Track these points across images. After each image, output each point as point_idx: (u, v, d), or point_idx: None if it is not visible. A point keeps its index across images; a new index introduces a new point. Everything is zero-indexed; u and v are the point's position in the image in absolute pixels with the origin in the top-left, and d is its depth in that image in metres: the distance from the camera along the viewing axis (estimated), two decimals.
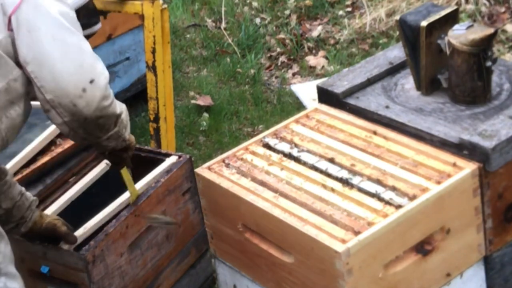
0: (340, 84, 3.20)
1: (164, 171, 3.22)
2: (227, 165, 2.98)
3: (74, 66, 2.47)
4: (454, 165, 2.76)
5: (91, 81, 2.47)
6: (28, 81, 2.52)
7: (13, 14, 2.48)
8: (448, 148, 2.82)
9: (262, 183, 2.86)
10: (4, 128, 2.50)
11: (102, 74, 2.52)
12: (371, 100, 3.11)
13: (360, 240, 2.52)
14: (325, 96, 3.21)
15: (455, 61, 2.95)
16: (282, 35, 5.66)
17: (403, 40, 3.06)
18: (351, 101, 3.14)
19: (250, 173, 2.91)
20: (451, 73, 3.00)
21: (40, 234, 2.94)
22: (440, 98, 3.06)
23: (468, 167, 2.74)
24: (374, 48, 5.31)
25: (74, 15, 2.60)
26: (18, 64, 2.50)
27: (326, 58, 5.37)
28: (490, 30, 2.93)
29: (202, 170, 2.98)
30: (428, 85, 3.08)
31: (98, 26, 2.87)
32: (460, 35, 2.92)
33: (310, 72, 5.30)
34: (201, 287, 3.44)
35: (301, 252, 2.65)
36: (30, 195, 2.93)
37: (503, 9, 5.33)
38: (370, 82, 3.21)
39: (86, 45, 2.55)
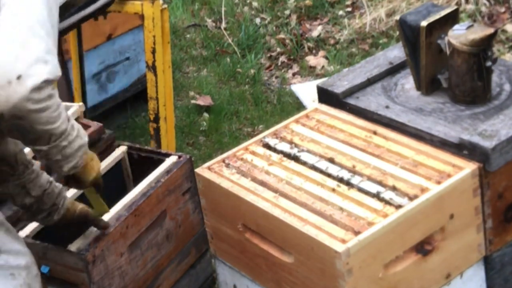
0: (340, 84, 3.20)
1: (164, 171, 3.22)
2: (227, 165, 2.98)
3: (8, 52, 2.26)
4: (454, 165, 2.76)
5: (18, 77, 2.25)
6: None
7: None
8: (448, 148, 2.82)
9: (262, 183, 2.86)
10: None
11: (36, 75, 2.27)
12: (371, 100, 3.11)
13: (360, 240, 2.52)
14: (325, 96, 3.21)
15: (455, 61, 2.95)
16: (282, 35, 5.66)
17: (403, 40, 3.06)
18: (351, 101, 3.14)
19: (250, 173, 2.91)
20: (451, 73, 3.00)
21: (73, 221, 2.89)
22: (440, 98, 3.06)
23: (468, 167, 2.74)
24: (374, 48, 5.31)
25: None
26: None
27: (326, 58, 5.37)
28: (490, 30, 2.93)
29: (202, 170, 2.98)
30: (428, 85, 3.08)
31: None
32: (460, 35, 2.92)
33: (310, 72, 5.31)
34: (201, 287, 3.44)
35: (301, 252, 2.65)
36: (58, 183, 2.86)
37: (503, 9, 5.34)
38: (370, 82, 3.21)
39: (39, 40, 2.32)
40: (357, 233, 2.56)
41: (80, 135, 2.50)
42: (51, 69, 2.29)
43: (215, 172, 2.96)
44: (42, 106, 2.29)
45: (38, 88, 2.25)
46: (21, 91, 2.24)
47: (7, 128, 2.33)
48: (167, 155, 3.34)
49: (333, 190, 2.77)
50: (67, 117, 2.43)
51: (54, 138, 2.39)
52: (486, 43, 2.91)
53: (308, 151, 2.99)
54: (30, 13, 2.31)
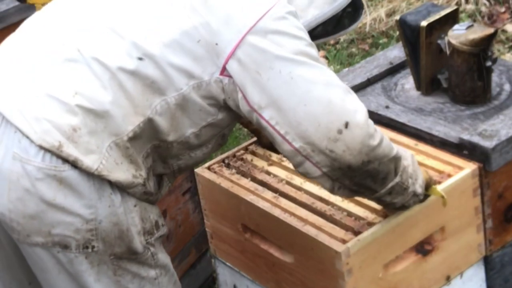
0: None
1: None
2: (227, 165, 2.98)
3: (321, 105, 2.12)
4: (454, 165, 2.76)
5: (346, 123, 2.12)
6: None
7: (230, 57, 2.15)
8: (448, 148, 2.82)
9: (262, 183, 2.86)
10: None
11: (356, 110, 2.14)
12: (371, 100, 3.11)
13: (360, 240, 2.52)
14: None
15: (455, 61, 2.95)
16: None
17: (403, 40, 3.06)
18: None
19: (250, 173, 2.91)
20: (451, 73, 3.00)
21: None
22: (440, 98, 3.06)
23: (468, 167, 2.74)
24: (374, 48, 5.31)
25: (308, 41, 2.19)
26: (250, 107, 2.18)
27: (326, 58, 5.37)
28: (490, 30, 2.93)
29: (202, 170, 2.98)
30: (428, 85, 3.08)
31: (357, 21, 2.45)
32: (460, 35, 2.92)
33: None
34: (201, 287, 3.45)
35: (301, 252, 2.65)
36: None
37: (503, 9, 5.34)
38: (370, 82, 3.21)
39: (330, 76, 2.18)
40: (357, 233, 2.56)
41: (401, 152, 2.32)
42: (354, 95, 2.20)
43: (215, 172, 2.95)
44: (380, 138, 2.20)
45: (367, 120, 2.17)
46: (358, 132, 2.14)
47: (359, 179, 2.22)
48: None
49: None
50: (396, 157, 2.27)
51: (397, 162, 2.27)
52: (486, 43, 2.91)
53: None
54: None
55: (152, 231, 2.33)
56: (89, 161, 2.13)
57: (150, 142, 2.23)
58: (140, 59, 2.14)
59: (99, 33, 2.20)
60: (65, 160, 2.13)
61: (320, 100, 2.13)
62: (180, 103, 2.19)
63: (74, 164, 2.13)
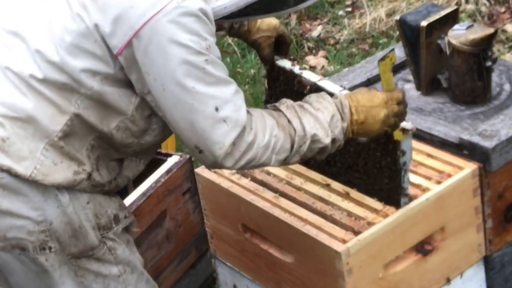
0: (340, 84, 3.19)
1: (164, 171, 3.22)
2: None
3: (184, 122, 2.19)
4: (454, 165, 2.76)
5: (200, 150, 2.21)
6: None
7: (119, 54, 2.16)
8: (448, 148, 2.82)
9: (262, 183, 2.86)
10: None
11: (217, 143, 2.18)
12: None
13: (360, 240, 2.52)
14: None
15: (455, 61, 2.95)
16: None
17: (403, 40, 3.06)
18: None
19: (250, 173, 2.91)
20: (451, 73, 3.00)
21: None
22: (440, 98, 3.06)
23: (468, 167, 2.74)
24: (374, 48, 5.31)
25: (196, 49, 2.15)
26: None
27: (326, 58, 5.36)
28: (490, 30, 2.93)
29: (202, 170, 2.97)
30: (428, 85, 3.08)
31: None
32: (460, 35, 2.92)
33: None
34: (201, 287, 3.44)
35: (301, 252, 2.65)
36: None
37: (503, 9, 5.33)
38: (370, 82, 3.21)
39: (201, 102, 2.17)
40: (357, 233, 2.56)
41: (317, 117, 2.29)
42: (232, 124, 2.19)
43: (215, 172, 2.95)
44: (244, 162, 2.24)
45: (227, 154, 2.20)
46: (210, 159, 2.21)
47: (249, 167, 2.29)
48: (168, 155, 3.34)
49: (333, 190, 2.77)
50: (283, 124, 2.27)
51: (300, 154, 2.30)
52: (486, 43, 2.91)
53: None
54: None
55: (110, 226, 2.35)
56: (22, 169, 2.18)
57: (90, 135, 2.25)
58: (47, 65, 2.17)
59: (4, 38, 2.23)
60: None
61: (184, 119, 2.18)
62: (98, 97, 2.21)
63: (8, 173, 2.18)
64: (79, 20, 2.15)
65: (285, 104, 2.35)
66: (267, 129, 2.26)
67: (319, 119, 2.30)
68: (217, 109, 2.18)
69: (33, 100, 2.17)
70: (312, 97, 2.37)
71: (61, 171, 2.22)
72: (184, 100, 2.16)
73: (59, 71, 2.17)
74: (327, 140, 2.31)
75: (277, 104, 2.35)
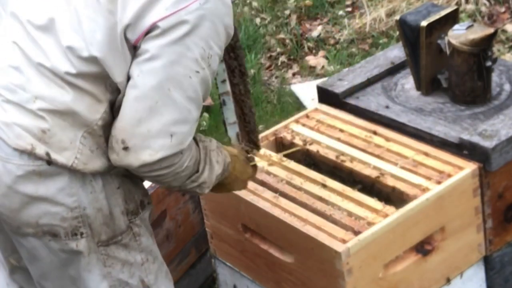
0: (340, 84, 3.20)
1: None
2: None
3: (134, 115, 2.17)
4: (454, 165, 2.76)
5: (125, 147, 2.19)
6: None
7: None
8: (448, 148, 2.82)
9: (262, 183, 2.86)
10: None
11: (152, 150, 2.17)
12: (371, 100, 3.11)
13: (360, 240, 2.52)
14: (325, 96, 3.21)
15: (455, 61, 2.95)
16: (282, 35, 5.66)
17: (403, 40, 3.06)
18: (351, 101, 3.14)
19: None
20: (451, 73, 3.00)
21: None
22: (440, 98, 3.06)
23: (468, 167, 2.74)
24: (374, 48, 5.31)
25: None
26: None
27: (326, 58, 5.37)
28: (490, 30, 2.93)
29: None
30: (428, 85, 3.08)
31: None
32: (460, 35, 2.92)
33: (310, 72, 5.30)
34: (201, 287, 3.44)
35: (301, 252, 2.65)
36: None
37: (503, 9, 5.34)
38: (370, 82, 3.21)
39: (163, 106, 2.16)
40: (357, 233, 2.56)
41: (213, 168, 2.36)
42: (176, 143, 2.18)
43: None
44: (157, 174, 2.23)
45: (150, 163, 2.19)
46: (131, 160, 2.19)
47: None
48: None
49: (333, 190, 2.77)
50: (190, 169, 2.29)
51: (183, 185, 2.32)
52: (486, 43, 2.91)
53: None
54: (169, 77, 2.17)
55: (137, 211, 2.37)
56: (63, 159, 2.20)
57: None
58: (79, 60, 2.18)
59: (33, 34, 2.23)
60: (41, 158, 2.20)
61: (135, 113, 2.17)
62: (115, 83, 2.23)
63: (48, 163, 2.20)
64: (108, 14, 2.16)
65: (203, 143, 2.37)
66: (187, 161, 2.27)
67: (214, 171, 2.37)
68: (174, 122, 2.17)
69: (71, 92, 2.19)
70: (214, 145, 2.41)
71: (97, 158, 2.24)
72: (151, 96, 2.16)
73: (92, 64, 2.18)
74: (208, 189, 2.39)
75: (198, 138, 2.36)
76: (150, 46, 2.15)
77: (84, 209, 2.25)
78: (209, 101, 5.04)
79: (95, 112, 2.21)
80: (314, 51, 5.49)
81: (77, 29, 2.18)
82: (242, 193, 2.81)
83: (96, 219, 2.27)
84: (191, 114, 2.20)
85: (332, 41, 5.52)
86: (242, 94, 2.58)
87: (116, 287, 2.36)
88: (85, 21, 2.18)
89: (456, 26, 2.96)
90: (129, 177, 2.33)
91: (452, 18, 3.02)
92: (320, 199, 2.74)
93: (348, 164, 2.88)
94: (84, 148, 2.21)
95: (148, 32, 2.14)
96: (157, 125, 2.17)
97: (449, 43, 2.94)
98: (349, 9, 5.77)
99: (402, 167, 2.81)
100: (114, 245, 2.33)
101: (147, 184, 3.14)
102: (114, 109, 2.24)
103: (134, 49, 2.18)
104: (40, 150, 2.18)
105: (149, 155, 2.18)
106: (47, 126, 2.19)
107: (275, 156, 2.98)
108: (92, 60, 2.17)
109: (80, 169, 2.21)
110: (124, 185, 2.32)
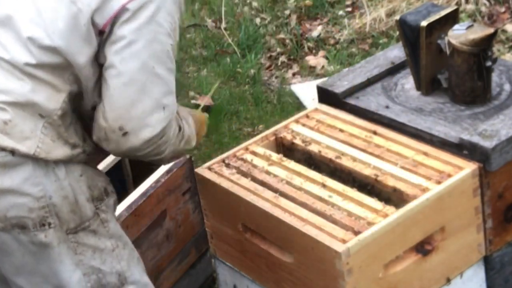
0: (340, 84, 3.20)
1: (164, 171, 3.22)
2: (227, 165, 2.98)
3: (126, 101, 2.26)
4: (454, 165, 2.76)
5: (125, 132, 2.27)
6: None
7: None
8: (448, 148, 2.82)
9: (262, 183, 2.86)
10: None
11: (151, 126, 2.28)
12: (371, 100, 3.11)
13: (360, 240, 2.52)
14: (325, 96, 3.21)
15: (455, 61, 2.95)
16: (282, 35, 5.66)
17: (403, 40, 3.06)
18: (351, 101, 3.14)
19: (250, 173, 2.91)
20: (451, 73, 3.00)
21: None
22: (440, 98, 3.06)
23: (468, 167, 2.74)
24: (374, 48, 5.31)
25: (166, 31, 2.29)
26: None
27: (326, 58, 5.36)
28: (490, 30, 2.93)
29: (202, 170, 2.98)
30: (428, 85, 3.08)
31: None
32: (460, 35, 2.92)
33: (310, 72, 5.30)
34: (201, 287, 3.45)
35: (301, 252, 2.65)
36: None
37: (503, 9, 5.33)
38: (370, 82, 3.21)
39: (151, 84, 2.27)
40: (357, 233, 2.56)
41: (187, 120, 2.50)
42: (168, 114, 2.30)
43: (215, 172, 2.95)
44: (151, 149, 2.33)
45: (151, 138, 2.29)
46: (133, 142, 2.29)
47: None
48: None
49: (333, 190, 2.77)
50: (177, 130, 2.40)
51: (176, 149, 2.43)
52: (486, 43, 2.91)
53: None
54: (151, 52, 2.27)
55: (102, 197, 2.42)
56: (25, 148, 2.25)
57: (74, 111, 2.34)
58: (40, 50, 2.24)
59: None
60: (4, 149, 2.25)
61: (126, 99, 2.26)
62: (78, 72, 2.29)
63: (12, 153, 2.25)
64: (70, 3, 2.23)
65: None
66: (174, 124, 2.38)
67: (188, 122, 2.52)
68: (163, 95, 2.29)
69: (30, 83, 2.25)
70: (184, 112, 2.54)
71: (59, 147, 2.29)
72: (139, 78, 2.24)
73: (53, 54, 2.24)
74: (194, 141, 2.55)
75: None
76: (125, 32, 2.22)
77: (50, 198, 2.29)
78: (209, 101, 5.04)
79: (55, 102, 2.27)
80: (314, 51, 5.49)
81: (37, 20, 2.24)
82: (242, 193, 2.81)
83: (63, 207, 2.31)
84: (172, 83, 2.32)
85: (332, 41, 5.52)
86: None
87: (89, 275, 2.39)
88: (45, 11, 2.24)
89: (456, 26, 2.96)
90: (90, 165, 2.40)
91: (452, 18, 3.02)
92: (320, 199, 2.74)
93: (348, 164, 2.88)
94: (45, 138, 2.27)
95: (116, 15, 2.21)
96: (150, 102, 2.26)
97: (449, 43, 2.94)
98: (349, 9, 5.77)
99: (402, 167, 2.81)
100: (83, 232, 2.37)
101: (146, 184, 3.16)
102: (75, 101, 2.29)
103: (100, 34, 2.24)
104: (3, 141, 2.23)
105: (149, 132, 2.28)
106: (9, 117, 2.24)
107: (275, 156, 2.98)
108: (53, 49, 2.23)
109: (43, 157, 2.26)
110: (86, 173, 2.37)
